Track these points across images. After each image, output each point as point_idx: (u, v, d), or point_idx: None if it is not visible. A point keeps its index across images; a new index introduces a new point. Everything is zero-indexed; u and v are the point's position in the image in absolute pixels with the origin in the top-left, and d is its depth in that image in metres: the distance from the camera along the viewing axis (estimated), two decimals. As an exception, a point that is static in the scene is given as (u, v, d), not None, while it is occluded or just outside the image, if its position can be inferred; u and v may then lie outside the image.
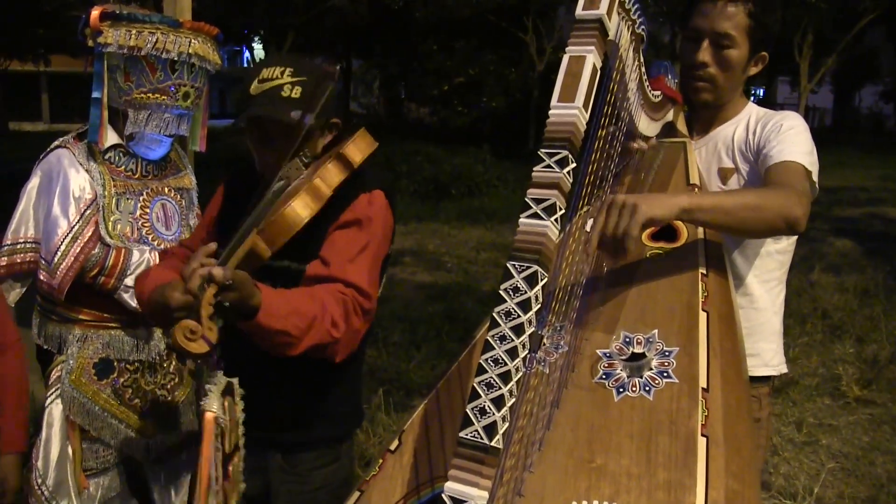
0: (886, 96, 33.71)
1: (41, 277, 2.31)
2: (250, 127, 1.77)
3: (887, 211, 12.16)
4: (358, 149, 1.69)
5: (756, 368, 1.91)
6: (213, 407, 1.39)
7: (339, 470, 1.89)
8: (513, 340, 1.12)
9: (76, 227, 2.29)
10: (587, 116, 1.25)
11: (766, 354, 1.95)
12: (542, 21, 18.89)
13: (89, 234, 2.30)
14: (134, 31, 2.27)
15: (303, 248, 1.67)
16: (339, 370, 1.75)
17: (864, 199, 13.16)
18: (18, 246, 2.36)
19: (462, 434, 1.11)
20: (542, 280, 1.14)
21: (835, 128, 30.57)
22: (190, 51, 2.34)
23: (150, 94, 2.32)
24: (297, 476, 1.84)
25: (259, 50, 28.38)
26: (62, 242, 2.27)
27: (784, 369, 2.00)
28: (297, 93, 1.69)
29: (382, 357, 5.03)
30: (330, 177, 1.63)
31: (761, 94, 35.51)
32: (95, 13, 2.26)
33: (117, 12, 2.28)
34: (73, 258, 2.27)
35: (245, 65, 32.76)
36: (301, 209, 1.54)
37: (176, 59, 2.31)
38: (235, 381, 1.48)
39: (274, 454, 1.84)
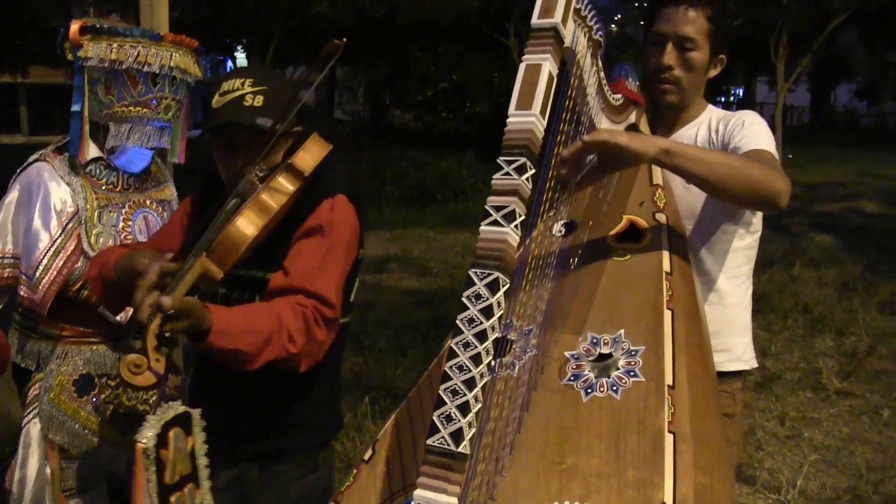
0: (860, 94, 34.19)
1: (22, 293, 2.29)
2: (215, 139, 1.77)
3: (864, 205, 12.30)
4: (309, 155, 1.66)
5: (728, 363, 1.93)
6: (144, 437, 1.37)
7: (319, 480, 1.89)
8: (476, 347, 1.14)
9: (58, 241, 2.28)
10: (545, 123, 1.28)
11: (738, 349, 1.98)
12: (524, 26, 18.93)
13: (72, 247, 2.29)
14: (115, 45, 2.27)
15: (270, 256, 1.67)
16: (313, 378, 1.75)
17: (842, 195, 13.31)
18: None
19: (429, 441, 1.13)
20: (503, 286, 1.16)
21: (812, 125, 30.92)
22: (171, 64, 2.34)
23: (131, 108, 2.32)
24: (275, 487, 1.84)
25: (242, 59, 28.36)
26: (44, 257, 2.25)
27: (755, 363, 2.03)
28: (259, 101, 1.69)
29: (368, 364, 5.03)
30: (279, 189, 1.60)
31: (741, 94, 35.75)
32: (75, 27, 2.26)
33: (98, 26, 2.28)
34: (55, 272, 2.25)
35: (228, 74, 32.69)
36: (245, 227, 1.52)
37: (157, 72, 2.31)
38: (196, 412, 1.46)
39: (250, 466, 1.84)
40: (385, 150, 15.01)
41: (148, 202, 2.50)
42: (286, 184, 1.61)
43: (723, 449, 1.42)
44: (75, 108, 2.31)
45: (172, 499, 1.40)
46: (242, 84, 1.72)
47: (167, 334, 1.39)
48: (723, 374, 1.86)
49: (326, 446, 1.97)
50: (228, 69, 32.44)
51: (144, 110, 2.34)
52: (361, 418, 4.11)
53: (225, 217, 1.55)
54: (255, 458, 1.84)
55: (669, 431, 1.30)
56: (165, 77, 2.35)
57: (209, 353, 1.51)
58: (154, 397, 2.46)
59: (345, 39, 1.65)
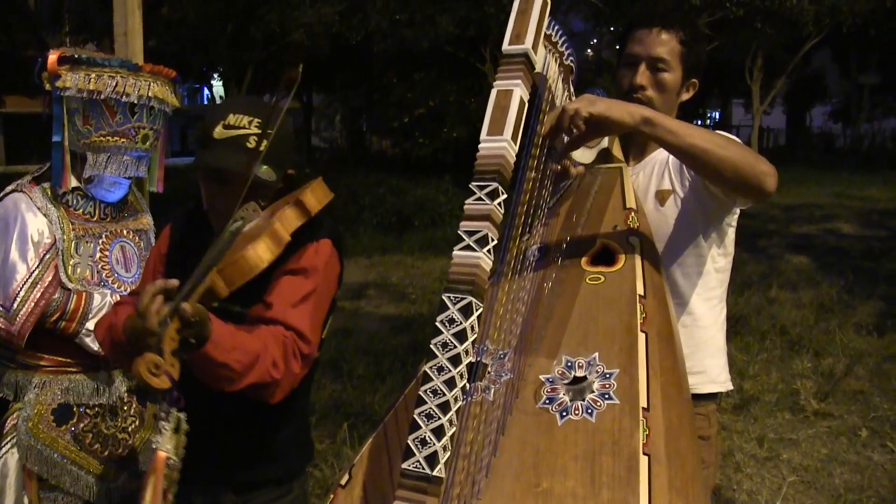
0: (835, 116, 34.69)
1: (0, 325, 2.28)
2: (210, 171, 1.76)
3: (840, 226, 12.44)
4: (316, 198, 1.69)
5: (703, 385, 1.95)
6: (166, 446, 1.37)
7: (294, 502, 1.89)
8: (450, 371, 1.15)
9: (35, 273, 2.27)
10: (516, 148, 1.29)
11: (713, 371, 1.99)
12: (499, 51, 19.09)
13: (49, 278, 2.28)
14: (93, 75, 2.28)
15: (250, 291, 1.65)
16: (285, 410, 1.75)
17: (819, 216, 13.46)
18: None
19: (405, 465, 1.13)
20: (476, 310, 1.17)
21: (788, 147, 31.26)
22: (150, 94, 2.35)
23: (109, 137, 2.32)
24: None
25: (218, 86, 28.35)
26: (21, 289, 2.24)
27: (730, 385, 2.04)
28: (263, 146, 1.67)
29: (347, 390, 5.01)
30: (288, 222, 1.62)
31: (717, 116, 36.22)
32: (53, 57, 2.27)
33: (76, 56, 2.28)
34: (33, 304, 2.24)
35: (205, 101, 32.67)
36: (263, 253, 1.53)
37: (136, 102, 2.32)
38: (183, 416, 1.46)
39: (227, 492, 1.83)
40: (362, 177, 15.03)
41: (125, 232, 2.50)
42: (294, 218, 1.63)
43: (697, 471, 1.43)
44: (56, 138, 2.32)
45: None
46: (249, 123, 1.70)
47: (187, 339, 1.39)
48: (698, 397, 1.88)
49: (301, 473, 1.97)
50: (205, 98, 32.49)
51: (122, 140, 2.34)
52: (340, 445, 4.09)
53: (230, 237, 1.55)
54: (232, 486, 1.83)
55: (644, 453, 1.30)
56: (143, 107, 2.36)
57: (197, 364, 1.49)
58: (133, 425, 2.44)
59: (301, 66, 1.66)
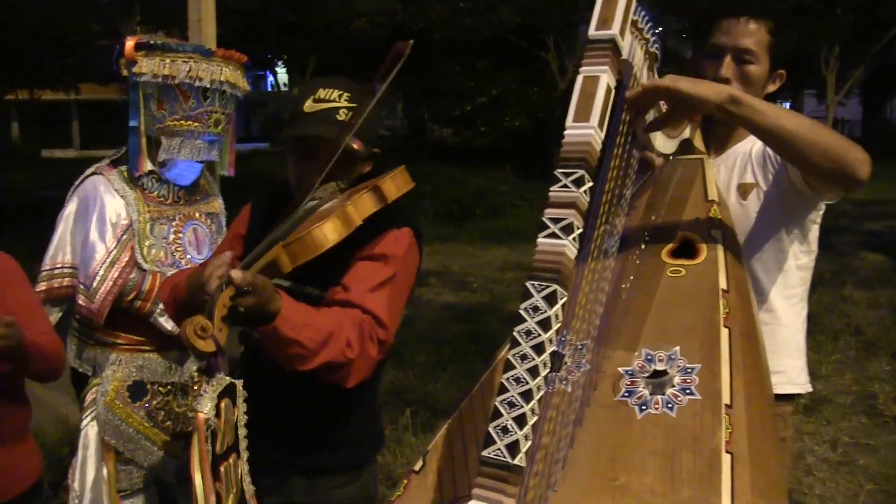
0: (917, 107, 33.28)
1: (80, 302, 2.36)
2: (295, 143, 1.77)
3: (919, 224, 11.98)
4: (395, 185, 1.69)
5: (781, 386, 1.89)
6: (205, 408, 1.37)
7: (363, 488, 1.90)
8: (534, 359, 1.13)
9: (114, 253, 2.34)
10: (602, 136, 1.27)
11: (792, 372, 1.93)
12: (562, 40, 18.92)
13: (126, 259, 2.36)
14: (168, 61, 2.33)
15: (327, 275, 1.67)
16: (356, 396, 1.76)
17: (896, 213, 12.98)
18: (56, 271, 2.42)
19: (485, 453, 1.12)
20: (561, 299, 1.15)
21: (864, 140, 30.03)
22: (221, 78, 2.40)
23: (182, 122, 2.38)
24: (318, 495, 1.85)
25: (282, 74, 28.71)
26: (100, 268, 2.32)
27: (809, 388, 1.98)
28: (350, 118, 1.70)
29: (409, 378, 5.04)
30: (363, 207, 1.62)
31: (787, 107, 35.24)
32: (130, 44, 2.33)
33: (151, 43, 2.34)
34: (111, 283, 2.32)
35: (269, 89, 33.15)
36: (329, 232, 1.53)
37: (208, 86, 2.37)
38: (239, 383, 1.46)
39: (296, 476, 1.85)
40: (423, 166, 15.07)
41: (197, 215, 2.56)
42: (370, 204, 1.63)
43: (780, 473, 1.40)
44: (133, 123, 2.38)
45: (221, 469, 1.42)
46: (339, 97, 1.73)
47: (237, 308, 1.39)
48: (775, 397, 1.83)
49: (371, 461, 1.97)
50: (269, 85, 32.96)
51: (195, 124, 2.39)
52: (402, 431, 4.11)
53: (304, 214, 1.56)
54: (303, 470, 1.85)
55: (727, 451, 1.27)
56: (216, 91, 2.40)
57: (268, 342, 1.50)
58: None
59: (411, 41, 1.66)
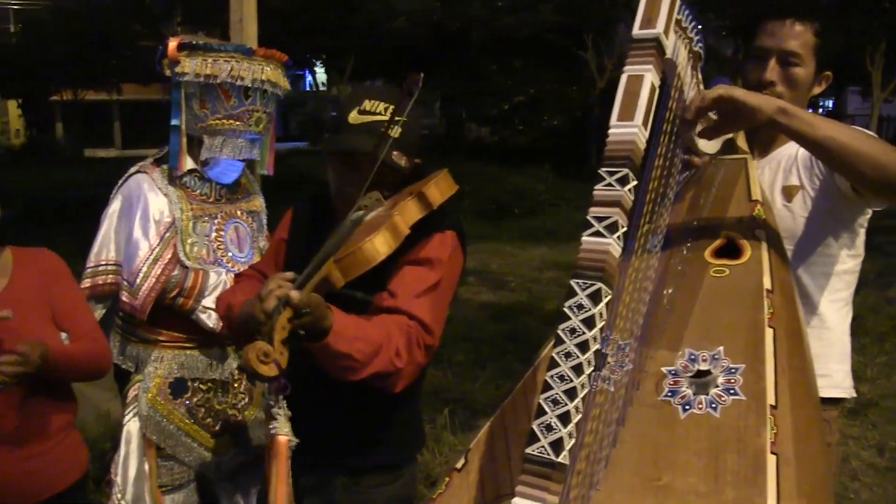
0: (967, 104, 32.32)
1: (124, 298, 2.38)
2: (339, 154, 1.78)
3: (968, 225, 11.64)
4: (439, 190, 1.69)
5: (826, 390, 1.86)
6: (283, 429, 1.40)
7: (404, 488, 1.91)
8: (578, 357, 1.13)
9: (157, 250, 2.36)
10: (647, 134, 1.26)
11: (837, 376, 1.91)
12: (601, 38, 18.80)
13: (169, 256, 2.37)
14: (210, 60, 2.35)
15: (374, 279, 1.66)
16: (400, 397, 1.75)
17: (945, 213, 12.61)
18: (100, 268, 2.44)
19: (528, 450, 1.12)
20: (605, 297, 1.15)
21: (910, 138, 29.47)
22: (263, 77, 2.41)
23: (224, 121, 2.40)
24: (359, 495, 1.85)
25: (321, 73, 28.91)
26: (144, 265, 2.35)
27: (853, 392, 1.96)
28: (396, 132, 1.69)
29: (447, 377, 5.04)
30: (409, 215, 1.62)
31: (830, 105, 34.50)
32: (173, 44, 2.35)
33: (194, 43, 2.36)
34: (154, 280, 2.34)
35: (307, 88, 33.41)
36: (381, 245, 1.53)
37: (249, 85, 2.38)
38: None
39: (338, 475, 1.86)
40: (461, 165, 15.03)
41: (238, 213, 2.58)
42: (415, 211, 1.64)
43: (826, 477, 1.38)
44: (174, 122, 2.40)
45: None
46: (385, 110, 1.73)
47: (297, 329, 1.41)
48: (820, 401, 1.81)
49: (411, 461, 1.98)
50: (307, 84, 33.20)
51: (237, 123, 2.41)
52: (440, 430, 4.11)
53: (351, 226, 1.56)
54: (344, 470, 1.86)
55: (772, 453, 1.26)
56: (257, 90, 2.42)
57: (319, 356, 1.51)
58: (243, 402, 2.53)
59: (422, 74, 1.66)
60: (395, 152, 1.69)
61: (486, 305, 7.22)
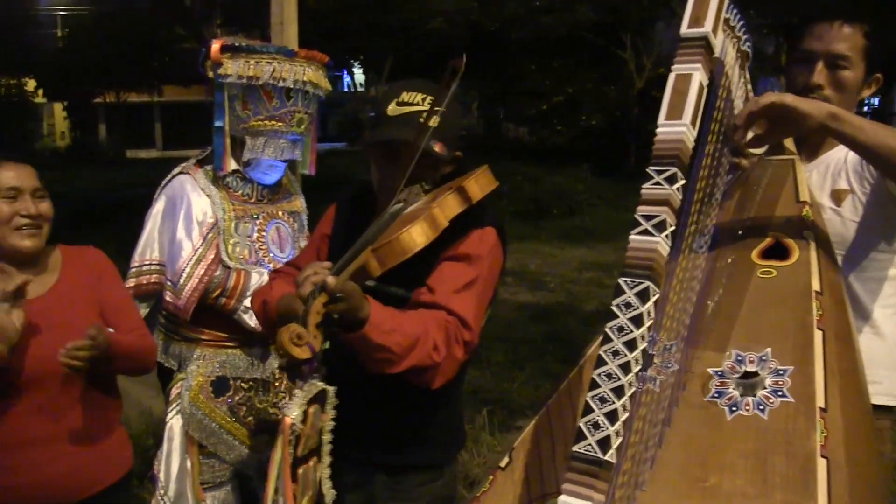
0: None
1: (168, 298, 2.42)
2: (379, 147, 1.80)
3: None
4: (479, 185, 1.69)
5: (878, 397, 1.82)
6: (292, 413, 1.40)
7: (444, 488, 1.91)
8: (626, 355, 1.13)
9: (200, 251, 2.39)
10: (695, 134, 1.26)
11: (889, 383, 1.87)
12: (640, 37, 18.63)
13: (212, 256, 2.40)
14: (252, 62, 2.37)
15: (412, 275, 1.68)
16: (440, 396, 1.76)
17: None
18: (144, 267, 2.48)
19: (575, 448, 1.12)
20: (653, 296, 1.15)
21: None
22: (304, 78, 2.43)
23: (266, 121, 2.42)
24: (400, 493, 1.86)
25: (359, 74, 29.06)
26: (187, 265, 2.37)
27: None
28: (434, 122, 1.70)
29: (486, 377, 5.04)
30: (448, 208, 1.63)
31: (876, 103, 33.73)
32: (216, 46, 2.38)
33: (237, 45, 2.39)
34: (197, 280, 2.37)
35: (345, 89, 33.61)
36: (418, 236, 1.54)
37: (291, 86, 2.40)
38: (332, 389, 1.49)
39: (378, 474, 1.87)
40: (499, 165, 14.97)
41: (280, 213, 2.60)
42: (454, 205, 1.64)
43: (879, 484, 1.36)
44: (218, 123, 2.43)
45: (300, 471, 1.44)
46: (423, 100, 1.75)
47: (331, 314, 1.42)
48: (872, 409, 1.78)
49: (452, 461, 1.99)
50: (346, 85, 33.42)
51: (279, 124, 2.43)
52: (478, 430, 4.11)
53: (389, 218, 1.58)
54: (384, 468, 1.87)
55: (822, 456, 1.24)
56: (299, 92, 2.43)
57: (356, 347, 1.52)
58: (283, 401, 2.55)
59: (465, 56, 1.67)
60: (434, 141, 1.70)
61: (525, 306, 7.21)
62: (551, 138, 19.79)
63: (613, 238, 10.76)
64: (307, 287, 1.45)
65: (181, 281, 2.37)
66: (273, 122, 2.43)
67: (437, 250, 1.69)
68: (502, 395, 4.73)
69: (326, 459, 1.54)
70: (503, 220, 1.87)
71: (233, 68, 2.37)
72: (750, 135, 1.61)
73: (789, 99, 1.51)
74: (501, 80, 21.40)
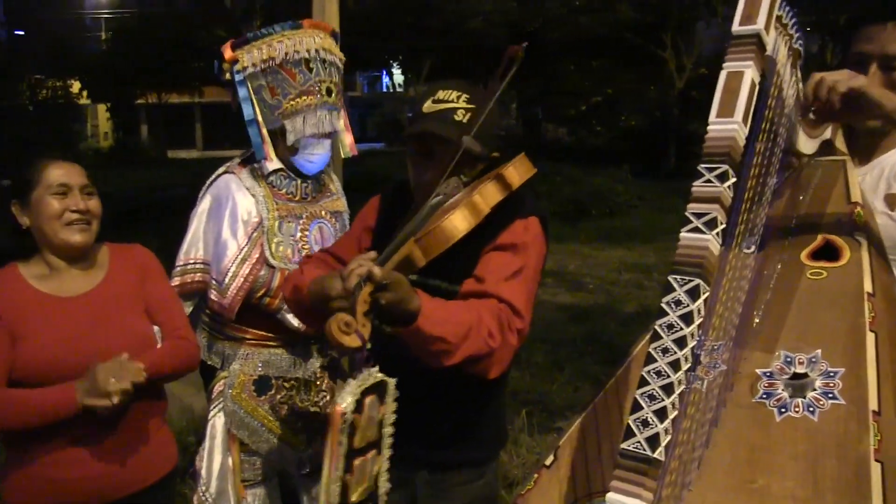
0: None
1: (213, 297, 2.43)
2: (415, 142, 1.81)
3: None
4: (517, 172, 1.69)
5: None
6: (344, 402, 1.40)
7: (484, 487, 1.91)
8: (675, 353, 1.12)
9: (245, 250, 2.39)
10: (746, 131, 1.25)
11: None
12: (680, 37, 18.45)
13: (256, 256, 2.40)
14: (264, 46, 2.38)
15: (457, 268, 1.69)
16: (485, 393, 1.76)
17: None
18: (189, 266, 2.49)
19: (624, 445, 1.12)
20: (703, 293, 1.14)
21: None
22: (317, 46, 2.43)
23: (297, 99, 2.41)
24: (442, 492, 1.86)
25: (398, 74, 29.18)
26: (232, 264, 2.38)
27: None
28: (467, 119, 1.72)
29: (525, 378, 5.01)
30: (489, 195, 1.63)
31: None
32: (227, 46, 2.41)
33: (246, 36, 2.41)
34: (242, 279, 2.38)
35: (384, 89, 33.77)
36: (459, 222, 1.55)
37: (308, 56, 2.40)
38: (392, 381, 1.47)
39: (421, 471, 1.87)
40: (538, 165, 14.83)
41: (323, 213, 2.59)
42: (494, 192, 1.64)
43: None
44: (249, 115, 2.43)
45: (356, 462, 1.43)
46: (458, 98, 1.76)
47: (378, 301, 1.42)
48: None
49: (494, 459, 1.98)
50: (384, 86, 33.58)
51: (310, 98, 2.42)
52: (517, 432, 4.09)
53: (430, 210, 1.59)
54: (428, 465, 1.87)
55: (876, 460, 1.23)
56: (317, 61, 2.43)
57: (411, 341, 1.52)
58: (325, 400, 2.56)
59: (525, 44, 1.67)
60: (469, 138, 1.69)
61: (565, 307, 7.17)
62: (590, 139, 19.71)
63: (653, 239, 10.67)
64: (353, 279, 1.45)
65: (226, 280, 2.38)
66: (304, 98, 2.42)
67: (480, 242, 1.70)
68: (541, 396, 4.71)
69: (386, 453, 1.53)
70: (545, 210, 1.86)
71: (248, 59, 2.38)
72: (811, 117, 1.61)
73: (862, 82, 1.51)
74: (541, 80, 21.34)
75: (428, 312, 1.49)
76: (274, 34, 2.41)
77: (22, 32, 31.76)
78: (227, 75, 2.43)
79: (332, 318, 1.35)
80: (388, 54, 22.13)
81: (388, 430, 1.51)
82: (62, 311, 1.95)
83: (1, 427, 1.90)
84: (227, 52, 2.41)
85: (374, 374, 1.43)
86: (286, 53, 2.39)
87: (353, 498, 1.44)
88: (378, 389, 1.46)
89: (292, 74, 2.40)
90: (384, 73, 30.39)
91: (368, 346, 1.38)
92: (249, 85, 2.41)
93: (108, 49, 27.26)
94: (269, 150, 2.45)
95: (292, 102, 2.41)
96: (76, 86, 25.59)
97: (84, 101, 27.51)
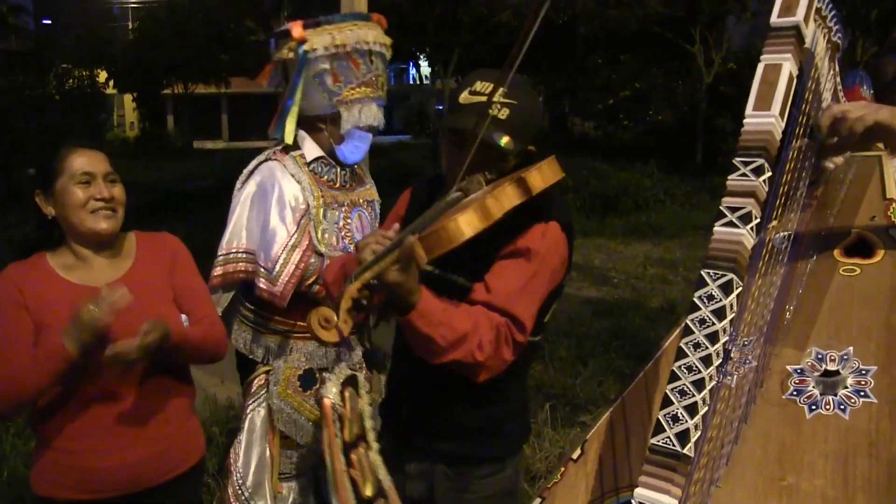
0: None
1: (261, 286, 2.37)
2: (447, 134, 1.79)
3: None
4: (541, 176, 1.59)
5: None
6: (330, 393, 1.40)
7: (505, 481, 1.90)
8: (707, 348, 1.12)
9: (295, 237, 2.37)
10: (783, 125, 1.23)
11: None
12: (709, 32, 18.23)
13: (306, 243, 2.38)
14: (336, 32, 2.37)
15: (475, 266, 1.68)
16: (505, 387, 1.75)
17: None
18: (231, 255, 2.45)
19: (653, 441, 1.11)
20: (737, 288, 1.13)
21: None
22: (381, 40, 2.45)
23: (358, 89, 2.42)
24: (462, 485, 1.86)
25: (425, 67, 29.16)
26: (283, 251, 2.35)
27: None
28: (503, 114, 1.67)
29: (549, 372, 5.00)
30: (505, 199, 1.53)
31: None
32: (297, 24, 2.38)
33: (318, 19, 2.39)
34: (293, 266, 2.35)
35: (411, 81, 33.70)
36: (465, 225, 1.45)
37: (371, 49, 2.41)
38: (361, 375, 1.48)
39: (442, 463, 1.86)
40: (565, 159, 14.82)
41: (361, 201, 2.59)
42: (512, 196, 1.54)
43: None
44: (289, 103, 2.41)
45: (353, 456, 1.45)
46: (495, 91, 1.69)
47: (360, 301, 1.42)
48: None
49: (516, 453, 1.97)
50: (411, 78, 33.52)
51: (369, 89, 2.43)
52: (541, 425, 4.09)
53: (444, 205, 1.55)
54: (448, 458, 1.86)
55: (908, 461, 1.21)
56: (376, 54, 2.44)
57: (404, 329, 1.54)
58: (365, 389, 2.56)
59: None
60: (499, 133, 1.66)
61: (590, 301, 7.14)
62: (618, 133, 19.53)
63: (680, 234, 10.58)
64: (367, 252, 1.46)
65: (277, 268, 2.35)
66: (364, 89, 2.43)
67: (499, 243, 1.67)
68: (565, 390, 4.69)
69: (374, 445, 1.54)
70: (569, 214, 1.82)
71: (319, 42, 2.36)
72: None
73: (885, 116, 1.46)
74: (569, 74, 21.19)
75: (424, 311, 1.50)
76: (346, 21, 2.41)
77: (49, 22, 32.14)
78: (290, 53, 2.41)
79: (314, 312, 1.36)
80: (415, 47, 22.08)
81: (369, 423, 1.52)
82: (89, 300, 1.96)
83: (14, 399, 1.87)
84: (297, 31, 2.38)
85: (343, 369, 1.44)
86: (356, 42, 2.39)
87: (367, 492, 1.45)
88: (352, 382, 1.47)
89: (357, 64, 2.41)
90: (411, 65, 30.36)
91: (367, 344, 1.39)
92: (309, 70, 2.40)
93: (135, 39, 27.42)
94: (292, 131, 2.43)
95: (353, 91, 2.41)
96: (103, 75, 25.81)
97: (111, 90, 27.76)
